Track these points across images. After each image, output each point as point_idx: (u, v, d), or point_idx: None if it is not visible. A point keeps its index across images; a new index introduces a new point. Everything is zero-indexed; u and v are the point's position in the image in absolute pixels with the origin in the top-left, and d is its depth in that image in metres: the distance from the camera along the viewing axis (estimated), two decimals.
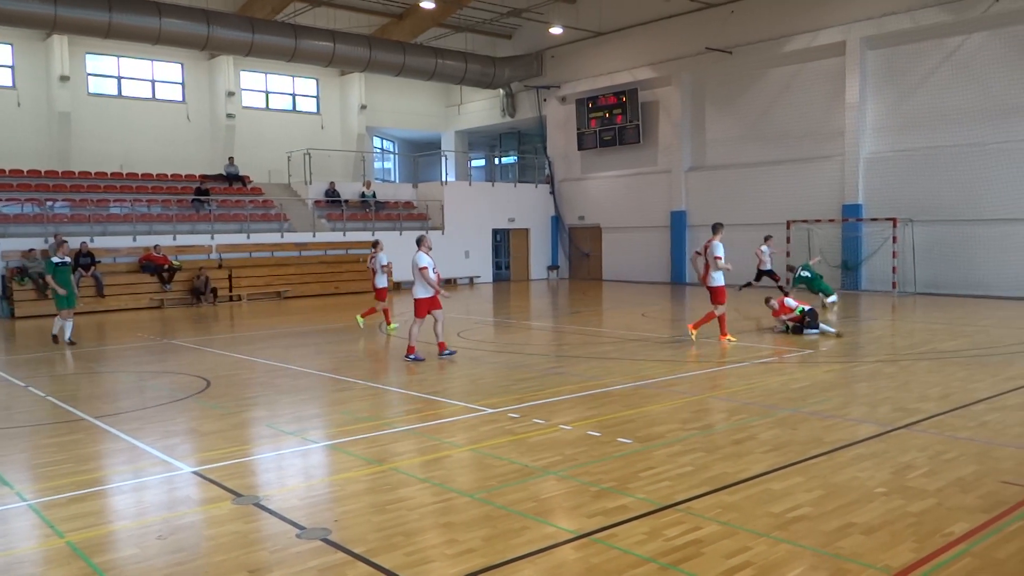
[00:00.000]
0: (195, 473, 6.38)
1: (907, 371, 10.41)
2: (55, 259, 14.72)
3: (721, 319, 13.30)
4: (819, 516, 5.11)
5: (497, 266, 32.86)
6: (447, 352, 12.18)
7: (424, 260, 11.95)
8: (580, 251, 32.44)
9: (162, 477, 6.35)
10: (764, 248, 19.68)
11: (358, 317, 16.50)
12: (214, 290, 23.23)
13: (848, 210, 23.48)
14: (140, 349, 14.15)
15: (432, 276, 11.98)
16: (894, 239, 22.13)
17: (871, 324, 15.92)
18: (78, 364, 12.69)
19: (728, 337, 13.21)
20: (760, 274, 19.87)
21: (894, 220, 22.14)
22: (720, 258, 13.06)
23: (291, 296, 24.67)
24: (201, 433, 7.81)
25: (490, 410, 8.43)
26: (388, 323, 15.92)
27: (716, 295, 13.18)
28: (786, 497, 5.47)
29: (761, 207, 25.56)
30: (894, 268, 21.96)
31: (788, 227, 24.25)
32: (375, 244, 16.71)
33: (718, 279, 13.13)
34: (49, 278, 14.64)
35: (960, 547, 4.61)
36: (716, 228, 13.40)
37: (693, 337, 13.34)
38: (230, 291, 23.86)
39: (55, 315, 14.79)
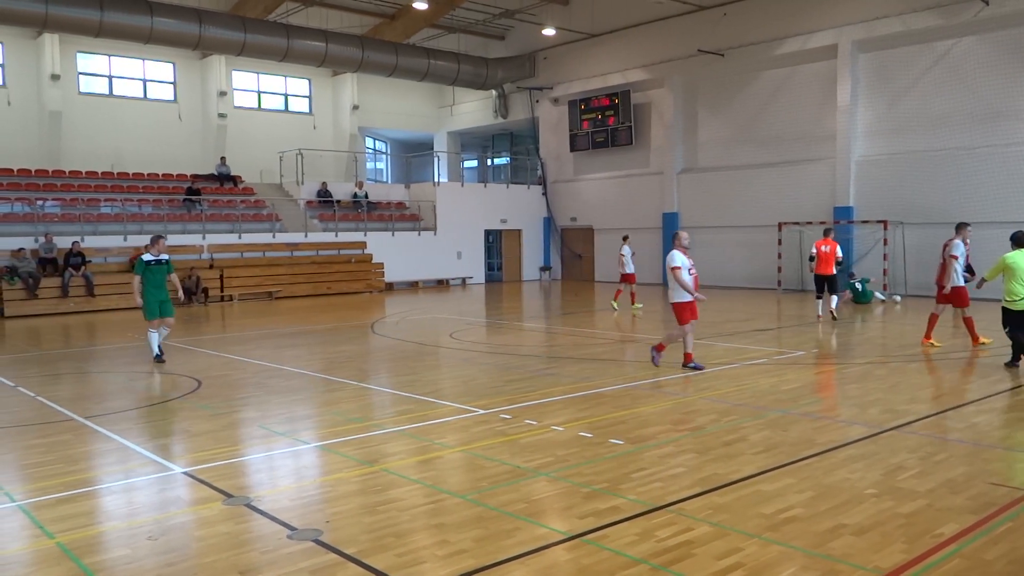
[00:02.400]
0: (186, 474, 6.36)
1: (897, 372, 10.45)
2: (147, 256, 12.09)
3: (967, 322, 12.31)
4: (810, 517, 5.12)
5: (489, 267, 32.83)
6: (692, 365, 10.60)
7: (677, 260, 10.45)
8: (572, 252, 32.46)
9: (153, 478, 6.32)
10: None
11: (612, 302, 19.50)
12: (205, 290, 23.17)
13: (839, 212, 23.54)
14: (130, 349, 14.08)
15: (686, 277, 10.43)
16: (885, 241, 22.22)
17: (861, 325, 15.98)
18: (68, 364, 12.63)
19: (931, 341, 12.41)
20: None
21: (885, 223, 22.22)
22: (956, 257, 12.19)
23: (282, 296, 24.62)
24: (192, 433, 7.78)
25: (482, 411, 8.42)
26: (615, 300, 19.46)
27: (959, 297, 12.24)
28: (777, 498, 5.49)
29: (752, 209, 25.67)
30: (885, 270, 22.04)
31: (780, 229, 24.33)
32: (625, 238, 20.62)
33: (957, 279, 12.19)
34: (137, 280, 11.93)
35: (950, 548, 4.63)
36: (959, 228, 12.75)
37: (937, 345, 12.62)
38: (221, 291, 23.79)
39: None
